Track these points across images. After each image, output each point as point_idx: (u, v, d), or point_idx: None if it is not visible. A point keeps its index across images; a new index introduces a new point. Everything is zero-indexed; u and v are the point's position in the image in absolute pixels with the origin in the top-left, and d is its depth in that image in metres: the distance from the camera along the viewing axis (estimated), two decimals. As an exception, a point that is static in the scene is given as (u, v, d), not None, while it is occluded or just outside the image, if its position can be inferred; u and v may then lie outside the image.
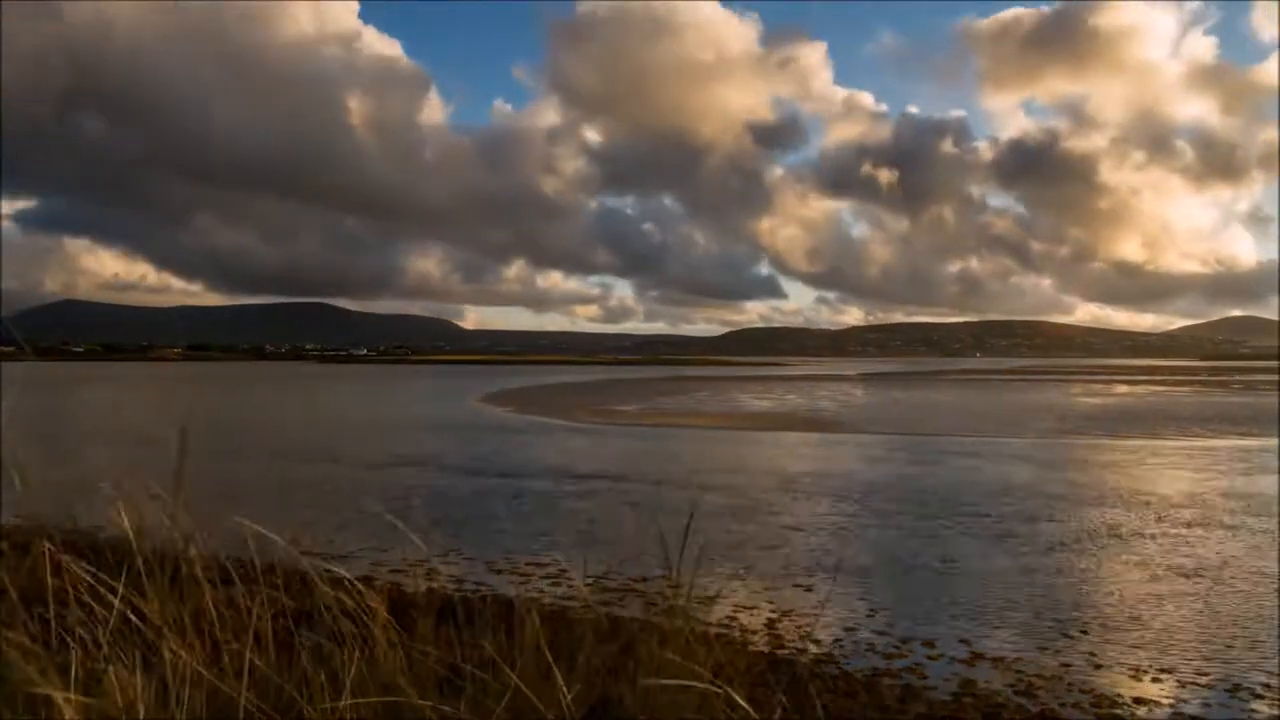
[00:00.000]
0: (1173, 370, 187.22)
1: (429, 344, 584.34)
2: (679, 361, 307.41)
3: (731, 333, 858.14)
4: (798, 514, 20.61)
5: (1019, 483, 25.38)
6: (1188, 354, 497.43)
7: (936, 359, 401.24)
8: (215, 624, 3.15)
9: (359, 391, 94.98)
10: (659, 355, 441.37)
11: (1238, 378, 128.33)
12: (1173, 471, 28.44)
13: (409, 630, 3.36)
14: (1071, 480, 26.15)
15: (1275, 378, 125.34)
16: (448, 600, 7.04)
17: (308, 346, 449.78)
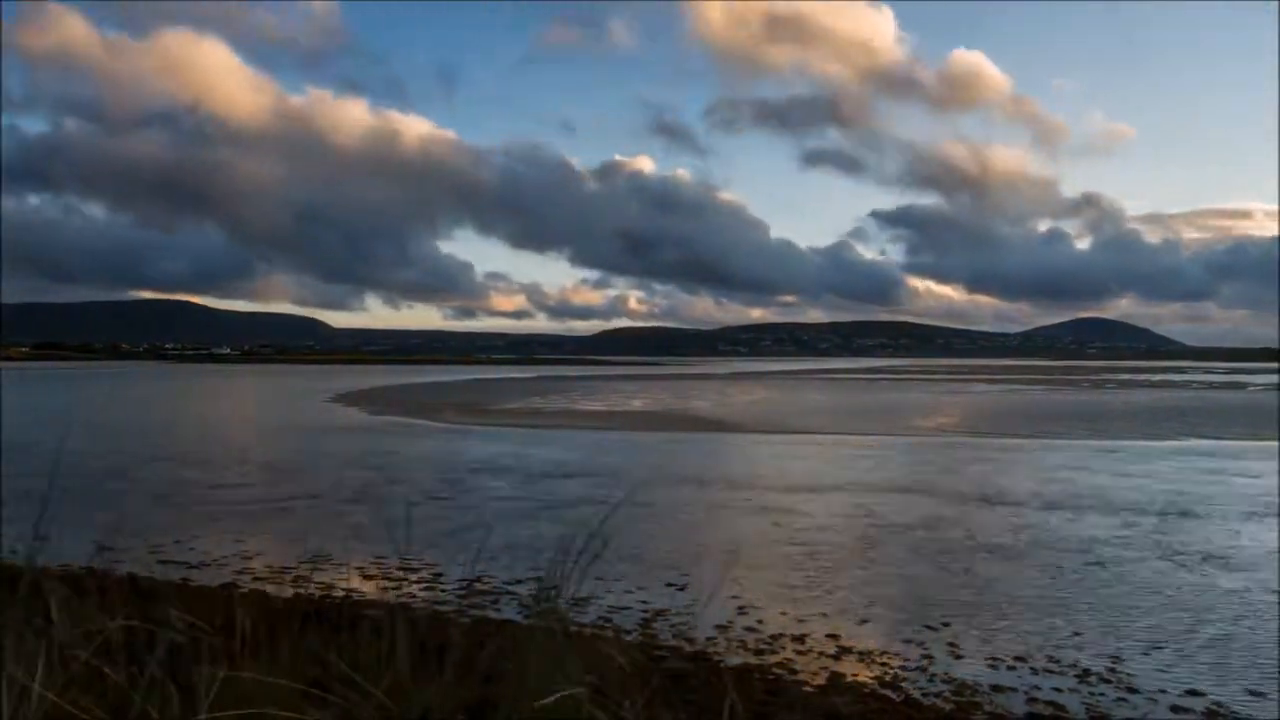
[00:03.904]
0: (1028, 370, 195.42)
1: (296, 343, 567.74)
2: (553, 361, 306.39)
3: (605, 332, 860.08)
4: (669, 514, 20.76)
5: (891, 478, 26.12)
6: (1041, 354, 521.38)
7: (807, 359, 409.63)
8: (62, 634, 2.98)
9: (211, 391, 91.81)
10: (533, 355, 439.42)
11: (1089, 377, 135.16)
12: (1034, 467, 29.68)
13: (272, 638, 3.25)
14: (935, 477, 27.04)
15: (1119, 377, 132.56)
16: (314, 606, 6.87)
17: (167, 345, 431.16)
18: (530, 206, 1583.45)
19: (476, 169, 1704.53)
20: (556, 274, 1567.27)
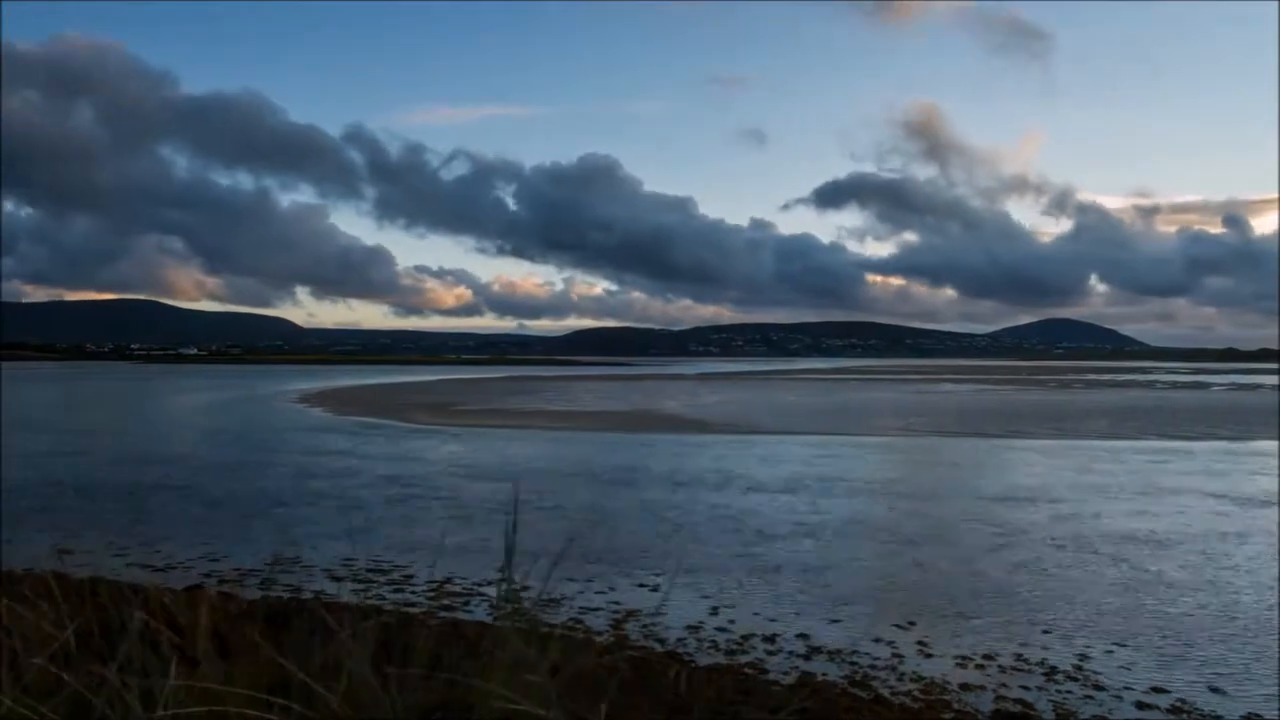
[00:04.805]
0: (996, 370, 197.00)
1: (265, 343, 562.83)
2: (523, 361, 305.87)
3: (574, 333, 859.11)
4: (642, 514, 20.75)
5: (862, 477, 26.22)
6: (1009, 355, 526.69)
7: (777, 360, 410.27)
8: (19, 639, 2.93)
9: (171, 391, 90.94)
10: (504, 355, 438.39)
11: (1055, 378, 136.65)
12: (1000, 465, 29.91)
13: (236, 640, 3.21)
14: (906, 476, 27.18)
15: (1084, 378, 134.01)
16: (279, 608, 6.80)
17: (133, 346, 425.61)
18: (393, 182, 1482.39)
19: (302, 131, 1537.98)
20: (484, 265, 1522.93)
